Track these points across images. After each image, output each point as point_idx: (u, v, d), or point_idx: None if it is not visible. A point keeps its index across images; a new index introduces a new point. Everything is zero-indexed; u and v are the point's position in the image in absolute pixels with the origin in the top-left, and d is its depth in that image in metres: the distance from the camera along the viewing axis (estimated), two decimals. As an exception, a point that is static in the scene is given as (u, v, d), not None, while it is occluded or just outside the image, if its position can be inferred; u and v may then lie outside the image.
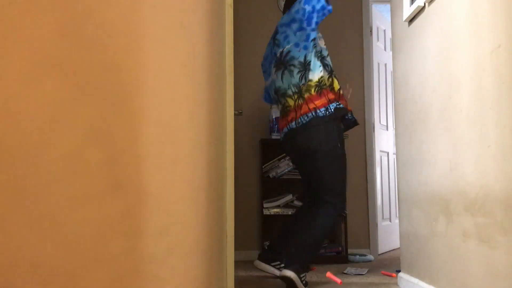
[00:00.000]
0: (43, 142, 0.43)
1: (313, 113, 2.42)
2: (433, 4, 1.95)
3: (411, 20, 2.20)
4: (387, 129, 4.09)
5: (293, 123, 2.47)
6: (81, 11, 0.50)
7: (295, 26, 2.52)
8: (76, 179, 0.48)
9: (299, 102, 2.48)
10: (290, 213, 3.37)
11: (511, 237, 1.35)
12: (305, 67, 2.48)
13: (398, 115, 2.41)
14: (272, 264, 2.53)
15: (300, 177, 2.91)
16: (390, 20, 2.63)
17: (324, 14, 2.47)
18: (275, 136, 3.51)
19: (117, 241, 0.56)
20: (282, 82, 2.56)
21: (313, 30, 2.48)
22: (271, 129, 3.55)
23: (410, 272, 2.20)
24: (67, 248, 0.46)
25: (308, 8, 2.48)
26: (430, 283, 1.95)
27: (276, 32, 2.66)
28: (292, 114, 2.49)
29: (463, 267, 1.65)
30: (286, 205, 3.41)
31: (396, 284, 2.36)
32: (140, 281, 0.62)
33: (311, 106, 2.44)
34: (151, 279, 0.66)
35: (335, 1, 3.90)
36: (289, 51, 2.54)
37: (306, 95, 2.45)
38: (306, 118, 2.43)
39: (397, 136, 2.44)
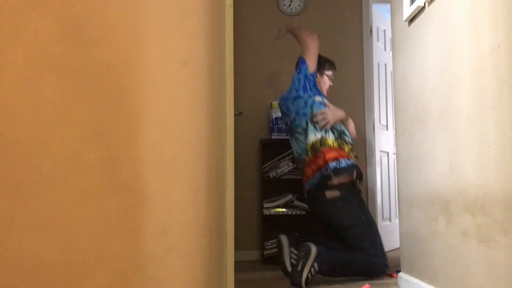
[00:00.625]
0: (43, 142, 0.43)
1: (319, 173, 2.63)
2: (433, 4, 1.95)
3: (411, 20, 2.20)
4: (387, 129, 4.09)
5: (307, 184, 2.70)
6: (81, 11, 0.50)
7: (292, 96, 2.79)
8: (76, 179, 0.48)
9: (306, 164, 2.71)
10: (290, 213, 3.37)
11: (511, 237, 1.35)
12: (305, 132, 2.71)
13: (398, 115, 2.41)
14: (292, 250, 2.53)
15: (300, 177, 2.94)
16: (390, 20, 2.63)
17: (315, 80, 2.77)
18: (275, 136, 3.51)
19: (117, 241, 0.56)
20: (295, 147, 2.83)
21: (309, 96, 2.73)
22: (271, 129, 3.55)
23: (410, 272, 2.20)
24: (67, 248, 0.46)
25: (301, 76, 2.76)
26: (430, 283, 1.95)
27: (279, 105, 2.98)
28: (305, 177, 2.73)
29: (463, 267, 1.65)
30: (286, 205, 3.41)
31: (396, 284, 2.36)
32: (140, 281, 0.62)
33: (314, 167, 2.65)
34: (151, 279, 0.66)
35: (335, 1, 3.90)
36: (294, 119, 2.80)
37: (307, 158, 2.69)
38: (314, 180, 2.65)
39: (397, 136, 2.44)
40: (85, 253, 0.49)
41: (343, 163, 2.57)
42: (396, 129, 2.46)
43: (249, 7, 3.82)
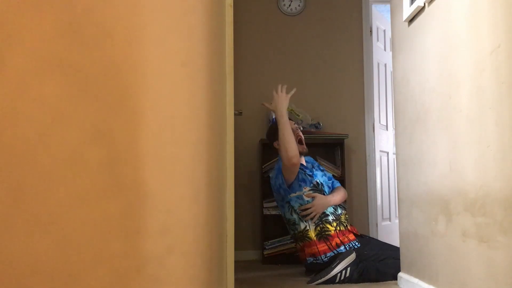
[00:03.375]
0: (43, 142, 0.43)
1: (311, 259, 2.68)
2: (433, 4, 1.95)
3: (411, 20, 2.20)
4: (387, 129, 4.09)
5: (305, 260, 2.73)
6: (81, 11, 0.50)
7: (273, 188, 2.85)
8: (76, 179, 0.48)
9: (298, 245, 2.77)
10: (290, 213, 3.38)
11: (511, 237, 1.35)
12: (289, 222, 2.76)
13: (398, 115, 2.41)
14: (349, 267, 2.50)
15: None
16: (390, 20, 2.63)
17: (286, 190, 2.72)
18: (275, 136, 3.51)
19: (117, 241, 0.56)
20: (288, 227, 2.86)
21: (285, 194, 2.74)
22: (271, 129, 3.55)
23: (410, 272, 2.20)
24: (67, 248, 0.46)
25: (276, 182, 2.78)
26: (430, 283, 1.95)
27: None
28: (301, 253, 2.76)
29: (463, 267, 1.65)
30: (286, 205, 3.41)
31: (396, 284, 2.36)
32: (140, 281, 0.62)
33: (307, 252, 2.70)
34: (151, 279, 0.66)
35: (335, 1, 3.91)
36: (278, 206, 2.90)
37: (297, 245, 2.77)
38: (310, 260, 2.68)
39: (397, 136, 2.44)
40: (85, 253, 0.49)
41: (320, 259, 2.60)
42: (396, 129, 2.46)
43: (249, 7, 3.82)
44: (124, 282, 0.57)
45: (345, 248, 2.58)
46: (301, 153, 2.83)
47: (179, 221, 0.82)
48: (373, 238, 2.86)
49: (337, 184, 2.98)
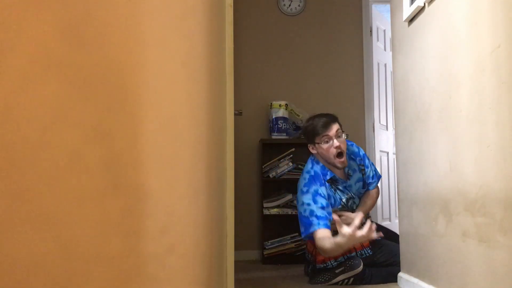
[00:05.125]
0: (43, 142, 0.43)
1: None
2: (433, 4, 1.95)
3: (411, 20, 2.20)
4: (387, 129, 4.09)
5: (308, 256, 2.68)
6: (81, 11, 0.50)
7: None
8: (76, 179, 0.48)
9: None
10: (290, 213, 3.37)
11: (511, 237, 1.35)
12: None
13: (398, 115, 2.41)
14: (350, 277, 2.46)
15: (299, 177, 2.93)
16: (390, 20, 2.63)
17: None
18: (275, 136, 3.51)
19: (117, 241, 0.56)
20: None
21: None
22: (271, 129, 3.55)
23: (410, 272, 2.20)
24: (67, 248, 0.46)
25: (298, 210, 2.57)
26: (430, 283, 1.95)
27: None
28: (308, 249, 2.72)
29: (463, 267, 1.65)
30: (286, 205, 3.41)
31: (396, 284, 2.36)
32: (140, 281, 0.62)
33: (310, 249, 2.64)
34: (151, 279, 0.66)
35: (335, 1, 3.91)
36: None
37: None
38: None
39: (397, 136, 2.44)
40: (85, 253, 0.49)
41: (329, 264, 2.52)
42: (396, 129, 2.46)
43: (249, 7, 3.82)
44: (124, 282, 0.57)
45: (356, 254, 2.50)
46: (339, 168, 2.58)
47: (179, 221, 0.82)
48: (386, 243, 2.62)
49: (372, 186, 2.73)
